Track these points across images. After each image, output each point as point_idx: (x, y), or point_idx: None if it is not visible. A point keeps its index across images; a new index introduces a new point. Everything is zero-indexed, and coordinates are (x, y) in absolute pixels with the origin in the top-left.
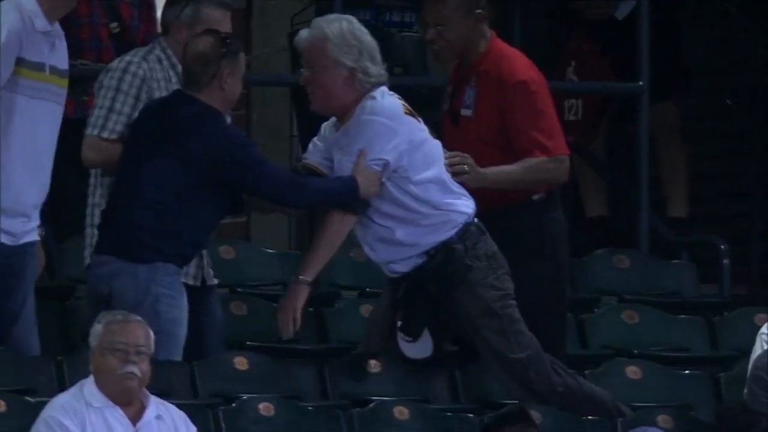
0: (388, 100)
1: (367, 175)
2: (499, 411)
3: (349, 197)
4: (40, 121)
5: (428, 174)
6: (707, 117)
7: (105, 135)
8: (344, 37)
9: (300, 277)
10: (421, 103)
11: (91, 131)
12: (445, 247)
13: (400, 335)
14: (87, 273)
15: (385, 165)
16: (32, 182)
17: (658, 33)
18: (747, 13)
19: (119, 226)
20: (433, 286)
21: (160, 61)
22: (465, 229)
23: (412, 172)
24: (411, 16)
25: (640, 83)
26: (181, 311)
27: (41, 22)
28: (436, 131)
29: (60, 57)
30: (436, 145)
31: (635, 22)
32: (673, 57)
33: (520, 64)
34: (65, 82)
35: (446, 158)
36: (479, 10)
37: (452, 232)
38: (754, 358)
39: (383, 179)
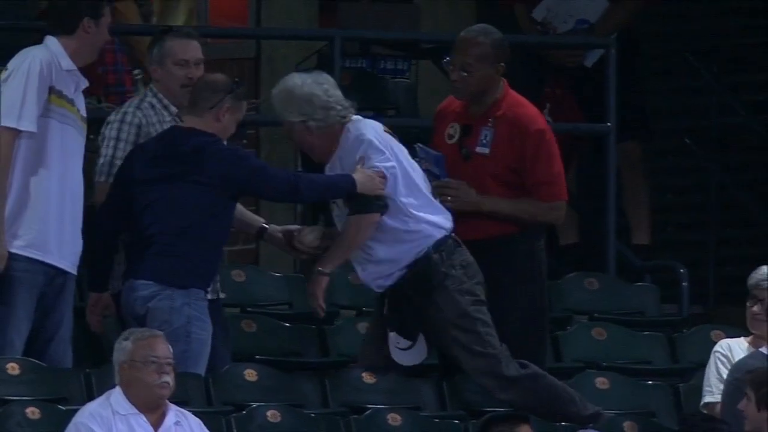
0: (367, 123)
1: (365, 173)
2: (497, 411)
3: (346, 189)
4: (69, 147)
5: (409, 192)
6: (667, 154)
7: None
8: (282, 99)
9: (319, 269)
10: (411, 143)
11: (98, 178)
12: (423, 257)
13: (392, 344)
14: (123, 295)
15: (391, 168)
16: (72, 207)
17: (623, 79)
18: (703, 62)
19: (153, 253)
20: (413, 293)
21: (152, 106)
22: (442, 242)
23: (394, 192)
24: (403, 64)
25: (608, 124)
26: (207, 333)
27: (66, 62)
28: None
29: (81, 102)
30: (415, 165)
31: (602, 70)
32: (636, 101)
33: (534, 112)
34: (85, 124)
35: (439, 186)
36: (502, 64)
37: (430, 245)
38: (731, 368)
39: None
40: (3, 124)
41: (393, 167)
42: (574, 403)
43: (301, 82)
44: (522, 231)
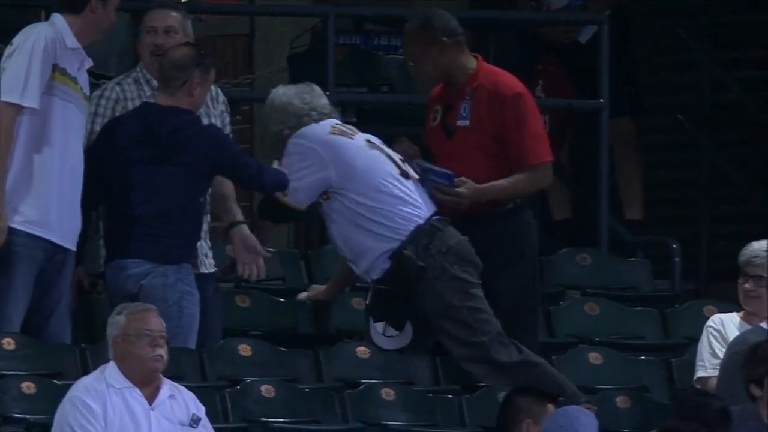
0: (311, 128)
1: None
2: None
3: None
4: (71, 125)
5: (368, 187)
6: (659, 131)
7: None
8: (265, 110)
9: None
10: (406, 119)
11: None
12: (395, 254)
13: (376, 331)
14: (108, 274)
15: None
16: (72, 185)
17: (616, 56)
18: (695, 37)
19: (141, 233)
20: (396, 287)
21: (137, 81)
22: (415, 234)
23: (348, 188)
24: (396, 41)
25: (601, 100)
26: (197, 307)
27: (71, 40)
28: (419, 145)
29: (84, 80)
30: (374, 158)
31: (596, 46)
32: (629, 77)
33: (512, 79)
34: (88, 103)
35: (441, 190)
36: (445, 38)
37: (401, 240)
38: (730, 343)
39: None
40: (6, 99)
41: (306, 176)
42: (565, 394)
43: (282, 92)
44: (510, 206)
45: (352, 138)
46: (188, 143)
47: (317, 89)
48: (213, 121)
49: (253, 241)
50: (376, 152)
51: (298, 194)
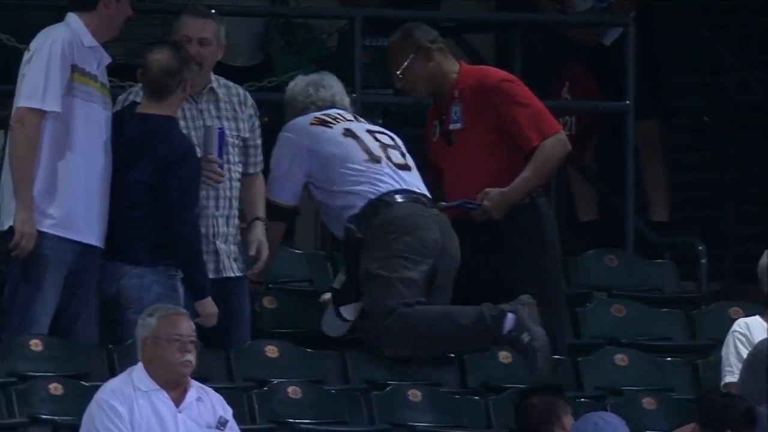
0: (297, 120)
1: None
2: (533, 384)
3: (198, 284)
4: (94, 124)
5: (333, 172)
6: (685, 132)
7: None
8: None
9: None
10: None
11: None
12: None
13: (332, 314)
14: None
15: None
16: (98, 184)
17: (642, 57)
18: (720, 38)
19: (119, 235)
20: (348, 263)
21: None
22: (365, 208)
23: (321, 177)
24: None
25: (627, 102)
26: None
27: (88, 39)
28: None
29: (104, 74)
30: (344, 145)
31: (621, 48)
32: (654, 79)
33: (495, 70)
34: (110, 97)
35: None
36: (427, 44)
37: (351, 215)
38: (754, 347)
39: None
40: (28, 105)
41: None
42: (470, 320)
43: (291, 86)
44: (527, 200)
45: (331, 127)
46: (154, 147)
47: (327, 80)
48: (241, 125)
49: (261, 238)
50: (349, 140)
51: (282, 192)
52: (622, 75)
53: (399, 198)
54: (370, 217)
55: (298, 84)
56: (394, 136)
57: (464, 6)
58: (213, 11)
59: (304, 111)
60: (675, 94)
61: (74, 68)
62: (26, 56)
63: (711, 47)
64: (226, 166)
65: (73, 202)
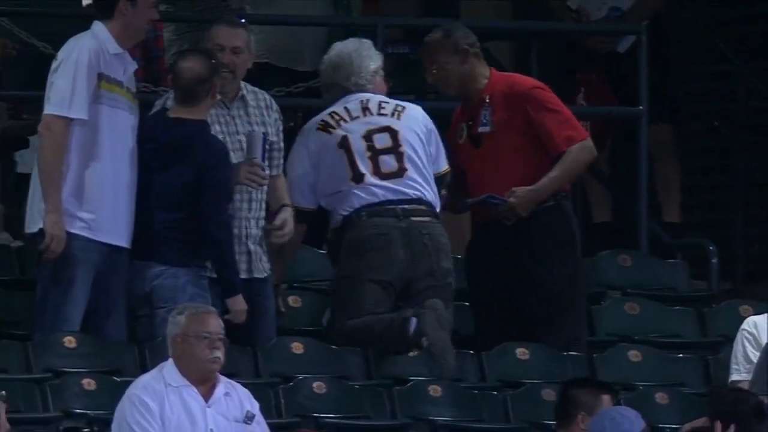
0: (310, 122)
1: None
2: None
3: (231, 281)
4: (120, 130)
5: (326, 188)
6: (697, 137)
7: None
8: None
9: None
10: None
11: None
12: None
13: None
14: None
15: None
16: (125, 187)
17: (654, 64)
18: (730, 47)
19: (155, 237)
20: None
21: None
22: (342, 222)
23: (318, 183)
24: None
25: (640, 107)
26: None
27: (113, 46)
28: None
29: (131, 80)
30: (334, 161)
31: (635, 55)
32: (667, 85)
33: (525, 77)
34: (137, 102)
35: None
36: (466, 46)
37: (333, 227)
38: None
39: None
40: (54, 112)
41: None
42: (383, 327)
43: (326, 57)
44: (551, 202)
45: (331, 133)
46: (192, 150)
47: (349, 58)
48: (268, 129)
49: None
50: (341, 153)
51: (301, 195)
52: (635, 81)
53: (367, 217)
54: (344, 233)
55: (326, 60)
56: (400, 128)
57: (483, 15)
58: (243, 21)
59: (328, 91)
60: (686, 100)
61: (101, 76)
62: (54, 65)
63: (722, 55)
64: None
65: (101, 205)
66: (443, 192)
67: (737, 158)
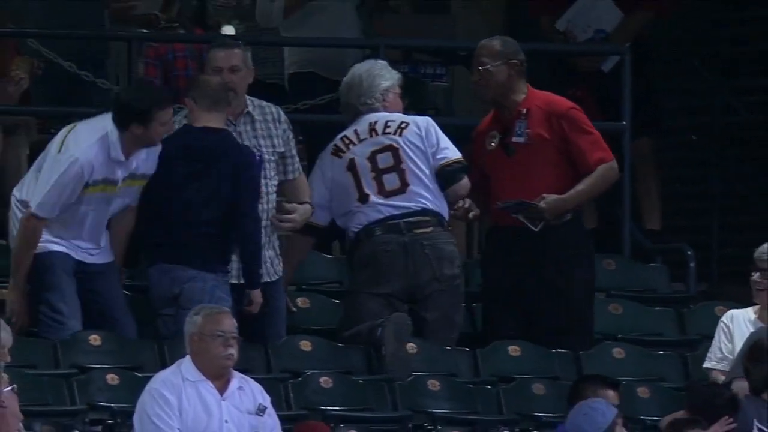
0: (327, 147)
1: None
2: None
3: (254, 271)
4: (104, 200)
5: (339, 206)
6: (675, 149)
7: None
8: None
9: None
10: (450, 139)
11: None
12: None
13: None
14: (152, 276)
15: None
16: (99, 224)
17: (636, 82)
18: (708, 68)
19: (185, 241)
20: None
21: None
22: (352, 240)
23: (333, 204)
24: (441, 69)
25: (623, 122)
26: None
27: (116, 153)
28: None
29: (139, 166)
30: (342, 185)
31: (619, 74)
32: (648, 102)
33: (561, 98)
34: (140, 182)
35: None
36: (514, 60)
37: (348, 241)
38: (747, 338)
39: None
40: (38, 213)
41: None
42: (363, 333)
43: (358, 73)
44: (569, 216)
45: (341, 157)
46: (226, 156)
47: (359, 79)
48: (276, 141)
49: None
50: (349, 175)
51: (317, 213)
52: (618, 98)
53: (372, 234)
54: (354, 249)
55: (343, 81)
56: (401, 145)
57: (477, 36)
58: (238, 42)
59: (344, 111)
60: (667, 115)
61: (88, 183)
62: (54, 148)
63: (699, 74)
64: (263, 181)
65: (79, 237)
66: (462, 182)
67: (713, 169)
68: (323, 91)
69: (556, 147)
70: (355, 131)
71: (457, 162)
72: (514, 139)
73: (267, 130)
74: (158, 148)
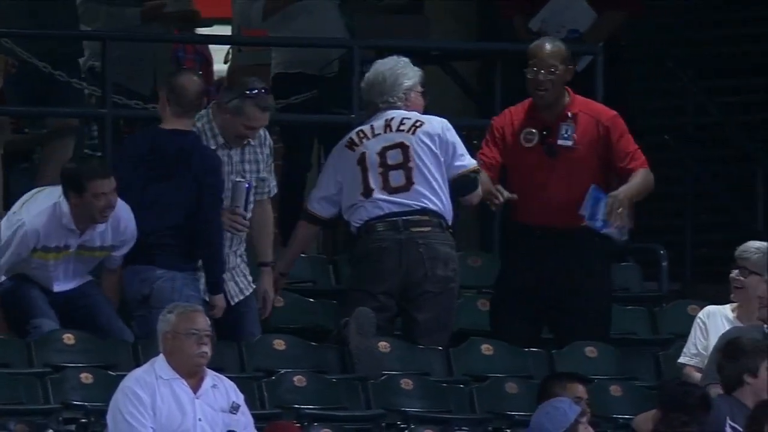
0: (340, 142)
1: None
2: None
3: (215, 278)
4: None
5: (345, 199)
6: (649, 149)
7: None
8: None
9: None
10: None
11: None
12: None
13: None
14: (126, 278)
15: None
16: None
17: (610, 82)
18: (681, 67)
19: (153, 243)
20: None
21: (204, 131)
22: (356, 233)
23: (341, 197)
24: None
25: None
26: None
27: (67, 220)
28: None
29: (95, 238)
30: (351, 178)
31: (592, 74)
32: (621, 102)
33: (603, 105)
34: (100, 253)
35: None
36: (571, 64)
37: (353, 233)
38: (720, 338)
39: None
40: None
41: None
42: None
43: (376, 72)
44: (584, 223)
45: (354, 150)
46: (190, 159)
47: (380, 76)
48: (261, 165)
49: (267, 287)
50: (358, 170)
51: (320, 206)
52: (591, 98)
53: (371, 230)
54: (354, 245)
55: (365, 79)
56: (412, 143)
57: (450, 36)
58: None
59: (366, 108)
60: (640, 116)
61: (35, 248)
62: (17, 205)
63: (672, 74)
64: (249, 206)
65: (56, 280)
66: (477, 191)
67: (686, 169)
68: (306, 90)
69: (597, 153)
70: (371, 126)
71: (474, 171)
72: (560, 142)
73: (254, 154)
74: (123, 222)
